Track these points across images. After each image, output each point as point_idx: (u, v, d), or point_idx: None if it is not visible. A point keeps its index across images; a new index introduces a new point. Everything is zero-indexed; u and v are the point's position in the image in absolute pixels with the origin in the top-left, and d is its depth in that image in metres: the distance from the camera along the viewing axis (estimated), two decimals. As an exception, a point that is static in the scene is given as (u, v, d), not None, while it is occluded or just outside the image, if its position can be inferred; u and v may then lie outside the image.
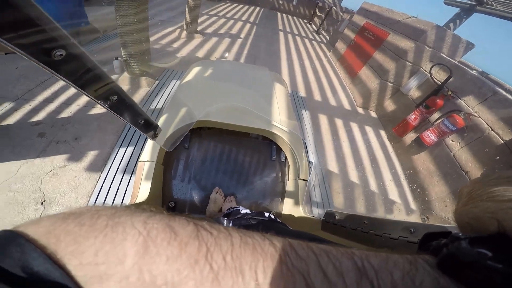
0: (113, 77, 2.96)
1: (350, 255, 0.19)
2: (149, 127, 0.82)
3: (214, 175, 1.45)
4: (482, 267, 0.16)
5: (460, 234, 0.19)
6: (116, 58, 2.96)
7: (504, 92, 2.22)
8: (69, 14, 2.27)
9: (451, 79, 2.69)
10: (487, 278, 0.15)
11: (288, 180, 1.45)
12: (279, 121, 1.39)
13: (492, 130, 2.14)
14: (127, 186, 1.82)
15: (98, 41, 3.77)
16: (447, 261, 0.18)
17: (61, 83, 2.63)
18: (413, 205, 2.49)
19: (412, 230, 0.63)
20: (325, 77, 4.81)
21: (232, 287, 0.16)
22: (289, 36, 7.02)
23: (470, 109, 2.38)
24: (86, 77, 0.45)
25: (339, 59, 5.45)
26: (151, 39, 4.05)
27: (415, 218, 2.36)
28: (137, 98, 2.76)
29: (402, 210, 2.41)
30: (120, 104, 0.58)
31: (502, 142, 2.02)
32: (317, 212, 2.04)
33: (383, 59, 3.76)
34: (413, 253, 0.20)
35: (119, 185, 1.81)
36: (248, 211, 0.99)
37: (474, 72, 2.68)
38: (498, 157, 2.02)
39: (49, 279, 0.15)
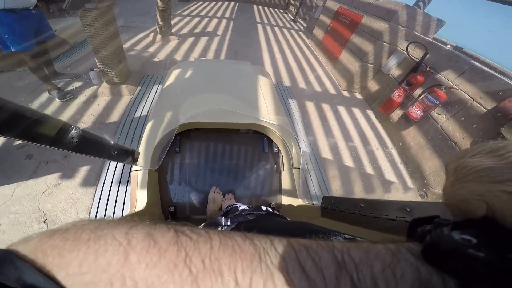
0: (92, 88, 2.88)
1: (331, 249, 0.19)
2: (125, 155, 0.80)
3: (210, 175, 1.45)
4: (463, 255, 0.16)
5: (444, 219, 0.19)
6: (92, 69, 2.86)
7: (479, 65, 2.32)
8: (33, 30, 2.19)
9: (427, 56, 2.79)
10: (468, 266, 0.15)
11: (284, 170, 1.47)
12: (266, 113, 1.40)
13: (474, 100, 2.24)
14: (125, 196, 1.80)
15: (69, 53, 3.65)
16: (429, 250, 0.18)
17: (39, 101, 2.54)
18: (409, 182, 2.58)
19: (408, 210, 0.63)
20: (307, 64, 4.85)
21: None
22: (268, 27, 6.99)
23: (450, 83, 2.47)
24: (30, 129, 0.42)
25: (319, 46, 5.50)
26: (125, 46, 3.96)
27: (412, 196, 2.43)
28: (120, 106, 2.69)
29: (399, 189, 2.48)
30: (83, 143, 0.55)
31: (485, 110, 2.12)
32: (316, 199, 2.09)
33: (361, 42, 3.82)
34: (399, 241, 0.21)
35: (117, 196, 1.79)
36: (245, 207, 1.00)
37: (449, 47, 2.78)
38: (482, 125, 2.12)
39: None
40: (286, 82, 3.97)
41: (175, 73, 1.72)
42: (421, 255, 0.18)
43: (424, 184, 2.48)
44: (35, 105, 2.50)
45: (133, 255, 0.17)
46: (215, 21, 6.61)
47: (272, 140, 1.49)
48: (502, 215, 0.17)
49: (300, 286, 0.17)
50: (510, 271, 0.15)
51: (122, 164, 2.02)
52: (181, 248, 0.18)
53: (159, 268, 0.17)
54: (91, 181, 1.87)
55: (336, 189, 2.29)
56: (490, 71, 2.21)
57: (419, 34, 3.15)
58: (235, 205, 1.05)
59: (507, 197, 0.17)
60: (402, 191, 2.47)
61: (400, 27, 3.25)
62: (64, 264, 0.17)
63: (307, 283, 0.17)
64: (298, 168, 1.34)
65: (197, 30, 5.59)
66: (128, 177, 1.92)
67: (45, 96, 2.62)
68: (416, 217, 0.24)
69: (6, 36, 2.02)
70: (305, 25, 7.85)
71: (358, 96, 3.99)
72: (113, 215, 1.68)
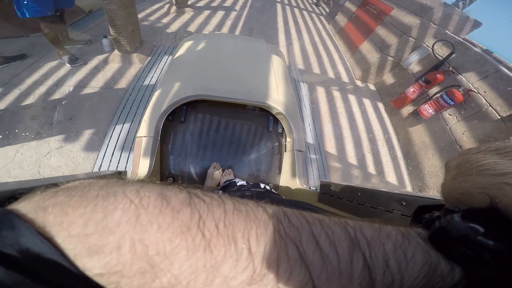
0: (104, 55, 2.92)
1: (344, 225, 0.19)
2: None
3: (211, 149, 1.46)
4: (473, 242, 0.16)
5: (454, 206, 0.19)
6: (105, 37, 2.89)
7: (506, 70, 2.23)
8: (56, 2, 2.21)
9: (453, 55, 2.68)
10: (476, 254, 0.15)
11: (285, 151, 1.46)
12: (276, 93, 1.39)
13: (490, 106, 2.18)
14: (127, 163, 1.86)
15: (84, 21, 3.67)
16: (438, 235, 0.18)
17: (49, 65, 2.59)
18: (406, 178, 2.58)
19: (404, 204, 0.63)
20: (324, 49, 4.71)
21: (224, 255, 0.16)
22: (287, 8, 6.73)
23: (470, 85, 2.40)
24: None
25: (339, 32, 5.30)
26: (140, 15, 3.92)
27: (408, 191, 2.43)
28: (130, 74, 2.74)
29: (396, 183, 2.49)
30: None
31: (499, 117, 2.07)
32: (314, 184, 2.13)
33: (385, 34, 3.68)
34: (407, 226, 0.21)
35: (118, 162, 1.85)
36: (244, 182, 1.02)
37: (477, 49, 2.66)
38: (492, 132, 2.09)
39: (38, 254, 0.14)
40: (300, 64, 3.89)
41: (187, 44, 1.71)
42: (429, 240, 0.18)
43: (421, 183, 2.49)
44: (45, 69, 2.55)
45: (144, 215, 0.16)
46: (233, -5, 6.41)
47: (278, 120, 1.48)
48: (506, 208, 0.17)
49: (313, 259, 0.17)
50: None
51: (127, 130, 2.07)
52: (195, 210, 0.17)
53: (172, 231, 0.16)
54: (95, 145, 1.92)
55: (335, 176, 2.30)
56: None
57: (450, 33, 3.02)
58: (234, 180, 1.06)
59: (511, 190, 0.16)
60: (398, 185, 2.48)
61: (432, 24, 3.12)
62: (66, 223, 0.15)
63: (321, 257, 0.17)
64: (300, 151, 1.34)
65: (214, 4, 5.45)
66: (132, 143, 1.96)
67: (56, 60, 2.67)
68: (422, 204, 0.24)
69: (25, 2, 2.01)
70: (327, 10, 7.52)
71: (372, 87, 3.89)
72: None
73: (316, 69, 3.94)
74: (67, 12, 2.85)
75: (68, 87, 2.36)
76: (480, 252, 0.15)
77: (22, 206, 0.16)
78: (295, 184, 1.29)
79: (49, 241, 0.15)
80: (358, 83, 3.89)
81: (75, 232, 0.15)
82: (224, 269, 0.16)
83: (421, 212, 0.23)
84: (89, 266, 0.15)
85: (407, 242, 0.18)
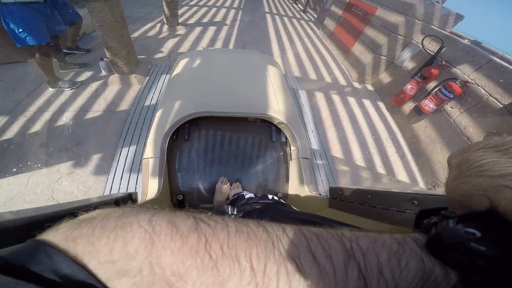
0: (102, 78, 2.98)
1: (340, 237, 0.20)
2: (124, 202, 0.83)
3: (218, 163, 1.48)
4: (466, 249, 0.16)
5: (451, 212, 0.20)
6: (102, 59, 2.96)
7: (498, 59, 2.32)
8: (45, 23, 2.27)
9: (443, 49, 2.77)
10: (470, 260, 0.16)
11: (291, 160, 1.49)
12: (275, 103, 1.42)
13: (490, 95, 2.24)
14: (136, 184, 1.88)
15: (79, 44, 3.74)
16: (434, 242, 0.19)
17: (50, 92, 2.64)
18: (417, 175, 2.60)
19: (416, 203, 0.64)
20: (318, 55, 4.83)
21: (229, 273, 0.18)
22: (277, 17, 6.95)
23: (466, 77, 2.47)
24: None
25: (330, 37, 5.46)
26: (133, 36, 4.03)
27: (420, 189, 2.45)
28: (130, 95, 2.80)
29: (407, 181, 2.51)
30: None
31: (501, 106, 2.12)
32: (324, 190, 2.14)
33: (374, 34, 3.80)
34: (406, 232, 0.22)
35: (128, 184, 1.88)
36: (252, 195, 1.03)
37: (466, 41, 2.77)
38: (497, 121, 2.13)
39: (77, 280, 0.16)
40: (296, 72, 3.99)
41: (183, 62, 1.75)
42: (426, 247, 0.19)
43: (433, 178, 2.50)
44: (46, 95, 2.60)
45: (158, 241, 0.18)
46: (223, 11, 6.60)
47: (280, 129, 1.51)
48: (505, 211, 0.17)
49: (310, 272, 0.18)
50: (511, 266, 0.15)
51: (134, 152, 2.10)
52: (201, 235, 0.19)
53: (183, 254, 0.18)
54: (104, 168, 1.95)
55: (344, 180, 2.32)
56: (508, 66, 2.21)
57: (436, 28, 3.14)
58: (242, 193, 1.08)
59: (510, 192, 0.17)
60: (410, 183, 2.49)
61: (416, 20, 3.24)
62: (94, 252, 0.17)
63: (317, 269, 0.18)
64: (306, 158, 1.36)
65: (205, 20, 5.61)
66: (139, 164, 2.00)
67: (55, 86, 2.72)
68: (423, 208, 0.25)
69: (20, 30, 2.08)
70: (315, 16, 7.76)
71: (370, 87, 3.97)
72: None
73: (312, 75, 4.04)
74: (62, 37, 2.93)
75: (71, 112, 2.40)
76: (473, 258, 0.16)
77: (53, 237, 0.18)
78: (304, 191, 1.30)
79: (83, 268, 0.17)
80: (356, 85, 3.98)
81: (103, 260, 0.17)
82: (230, 285, 0.18)
83: (423, 217, 0.24)
84: (120, 287, 0.17)
85: (402, 250, 0.19)
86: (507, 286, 0.15)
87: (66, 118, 2.33)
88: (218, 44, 4.53)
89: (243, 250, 0.19)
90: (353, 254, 0.19)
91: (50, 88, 2.67)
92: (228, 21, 5.76)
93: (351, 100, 3.52)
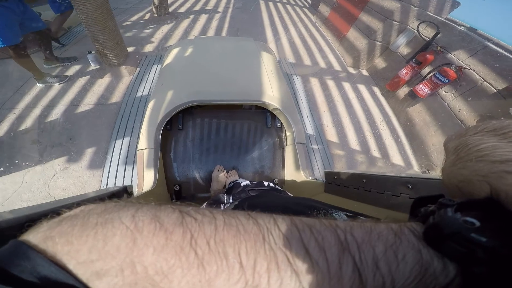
0: (92, 70, 2.92)
1: (334, 228, 0.19)
2: (119, 195, 0.83)
3: (214, 152, 1.48)
4: (465, 239, 0.15)
5: (448, 199, 0.19)
6: (90, 52, 2.89)
7: (493, 46, 2.34)
8: (17, 22, 2.17)
9: (439, 35, 2.78)
10: (469, 251, 0.15)
11: (287, 145, 1.49)
12: (270, 89, 1.41)
13: (484, 80, 2.26)
14: (132, 177, 1.89)
15: (65, 38, 3.65)
16: (431, 232, 0.18)
17: (38, 87, 2.60)
18: (412, 158, 2.63)
19: (410, 186, 0.63)
20: (312, 41, 4.78)
21: (216, 271, 0.17)
22: (270, 3, 6.80)
23: (461, 62, 2.49)
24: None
25: (324, 22, 5.38)
26: (121, 27, 3.93)
27: (415, 172, 2.48)
28: (121, 87, 2.76)
29: (402, 164, 2.55)
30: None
31: (495, 91, 2.16)
32: (320, 174, 2.18)
33: (369, 20, 3.77)
34: (403, 221, 0.21)
35: (124, 177, 1.88)
36: (248, 182, 1.03)
37: (461, 28, 2.77)
38: (491, 105, 2.17)
39: (57, 281, 0.16)
40: (290, 58, 3.95)
41: (174, 51, 1.73)
42: (424, 237, 0.18)
43: (427, 161, 2.54)
44: (35, 90, 2.56)
45: (140, 239, 0.17)
46: (214, -3, 6.44)
47: (275, 115, 1.51)
48: (507, 199, 0.16)
49: (303, 267, 0.17)
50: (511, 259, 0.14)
51: (128, 144, 2.10)
52: (187, 230, 0.18)
53: (167, 252, 0.17)
54: (98, 162, 1.95)
55: (339, 164, 2.35)
56: (503, 52, 2.23)
57: (431, 14, 3.12)
58: (238, 181, 1.08)
59: None
60: (405, 166, 2.54)
61: (412, 6, 3.23)
62: (73, 252, 0.17)
63: (310, 264, 0.17)
64: (302, 143, 1.37)
65: (196, 8, 5.48)
66: (134, 156, 1.99)
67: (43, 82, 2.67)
68: (420, 196, 0.24)
69: None
70: (309, 1, 7.61)
71: (364, 73, 3.96)
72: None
73: (307, 61, 4.00)
74: (48, 30, 2.84)
75: (61, 107, 2.37)
76: (473, 249, 0.15)
77: (32, 237, 0.18)
78: (300, 177, 1.32)
79: (62, 268, 0.16)
80: (351, 70, 3.96)
81: (82, 259, 0.17)
82: (218, 283, 0.17)
83: (419, 205, 0.23)
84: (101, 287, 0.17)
85: (398, 241, 0.18)
86: (508, 278, 0.15)
87: (56, 113, 2.30)
88: (211, 32, 4.44)
89: (232, 245, 0.18)
90: (347, 247, 0.18)
91: (38, 84, 2.62)
92: (220, 9, 5.63)
93: (346, 85, 3.51)
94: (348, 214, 0.36)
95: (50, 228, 0.18)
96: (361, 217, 0.34)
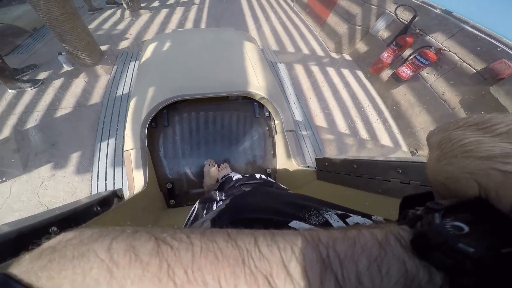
0: (65, 72, 2.82)
1: (316, 244, 0.19)
2: (109, 200, 0.82)
3: (204, 146, 1.47)
4: (452, 250, 0.15)
5: (436, 203, 0.18)
6: (60, 54, 2.78)
7: (469, 28, 2.47)
8: None
9: (416, 18, 2.89)
10: (457, 262, 0.15)
11: (276, 134, 1.50)
12: (255, 79, 1.42)
13: (463, 61, 2.40)
14: (122, 178, 1.87)
15: (31, 41, 3.51)
16: (418, 241, 0.17)
17: (10, 94, 2.48)
18: (400, 138, 2.75)
19: (400, 171, 0.64)
20: (294, 27, 4.80)
21: None
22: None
23: (440, 44, 2.61)
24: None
25: (304, 8, 5.42)
26: (91, 26, 3.81)
27: (403, 153, 2.60)
28: (100, 87, 2.69)
29: (390, 146, 2.65)
30: (65, 225, 0.57)
31: (474, 71, 2.30)
32: (311, 162, 2.24)
33: (348, 4, 3.87)
34: (392, 222, 0.20)
35: (114, 179, 1.86)
36: (239, 176, 1.03)
37: (437, 10, 2.88)
38: (472, 86, 2.32)
39: None
40: (273, 46, 3.98)
41: (151, 47, 1.70)
42: (411, 245, 0.18)
43: (415, 140, 2.67)
44: (8, 96, 2.45)
45: (117, 271, 0.17)
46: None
47: (263, 105, 1.52)
48: (497, 197, 0.16)
49: None
50: (502, 268, 0.14)
51: (113, 145, 2.06)
52: (163, 260, 0.18)
53: (145, 283, 0.17)
54: (86, 166, 1.91)
55: (329, 149, 2.42)
56: (480, 34, 2.36)
57: None
58: (229, 175, 1.08)
59: (501, 176, 0.16)
60: (393, 148, 2.64)
61: None
62: (56, 286, 0.17)
63: (291, 286, 0.17)
64: (291, 131, 1.40)
65: (171, 1, 5.33)
66: (122, 157, 1.96)
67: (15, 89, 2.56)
68: (407, 195, 0.24)
69: None
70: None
71: (347, 57, 4.05)
72: None
73: (290, 48, 4.04)
74: (10, 34, 2.67)
75: (39, 112, 2.29)
76: (461, 260, 0.15)
77: (16, 271, 0.18)
78: (292, 165, 1.34)
79: None
80: (334, 55, 4.03)
81: None
82: None
83: (407, 205, 0.23)
84: None
85: (383, 253, 0.18)
86: None
87: (34, 119, 2.22)
88: (189, 25, 4.36)
89: (210, 272, 0.18)
90: (329, 264, 0.18)
91: (9, 90, 2.50)
92: (196, 0, 5.51)
93: (330, 70, 3.58)
94: (339, 212, 0.37)
95: (32, 261, 0.19)
96: (352, 215, 0.35)
